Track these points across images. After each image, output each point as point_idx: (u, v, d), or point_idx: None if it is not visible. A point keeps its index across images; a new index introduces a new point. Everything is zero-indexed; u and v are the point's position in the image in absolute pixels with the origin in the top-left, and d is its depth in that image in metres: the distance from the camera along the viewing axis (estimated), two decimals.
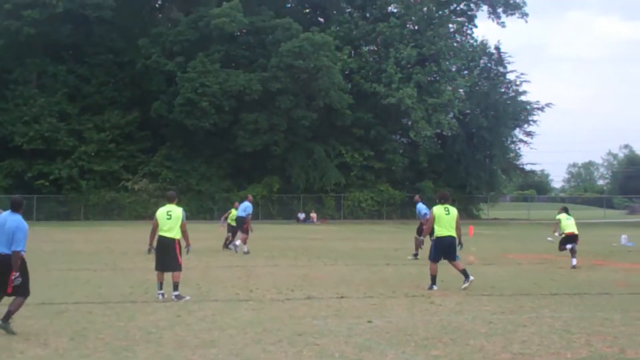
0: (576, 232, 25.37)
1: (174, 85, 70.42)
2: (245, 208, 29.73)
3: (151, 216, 51.27)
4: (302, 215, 69.64)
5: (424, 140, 74.68)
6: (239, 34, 75.24)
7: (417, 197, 30.52)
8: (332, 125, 75.33)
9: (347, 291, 17.22)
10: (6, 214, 12.45)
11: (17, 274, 11.95)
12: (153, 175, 71.21)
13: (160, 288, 16.05)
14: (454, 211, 18.23)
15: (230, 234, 31.03)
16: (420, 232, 25.50)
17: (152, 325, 12.54)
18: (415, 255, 26.78)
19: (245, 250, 28.63)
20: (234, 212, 30.94)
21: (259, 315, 13.81)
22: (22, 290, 12.16)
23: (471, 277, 17.81)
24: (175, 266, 15.95)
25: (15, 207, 12.40)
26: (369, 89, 74.76)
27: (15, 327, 12.05)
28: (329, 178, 73.19)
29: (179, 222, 16.07)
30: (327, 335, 11.83)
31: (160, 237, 16.10)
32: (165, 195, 17.47)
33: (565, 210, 26.31)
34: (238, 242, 29.21)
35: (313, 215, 69.62)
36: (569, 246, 25.33)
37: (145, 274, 20.24)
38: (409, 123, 76.12)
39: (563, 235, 25.39)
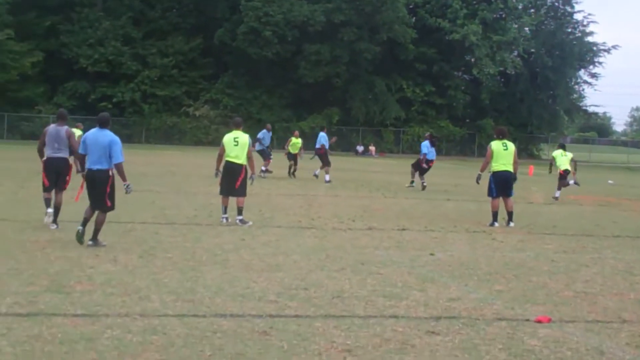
0: (569, 168, 26.42)
1: (238, 13, 70.24)
2: (319, 139, 31.64)
3: (211, 142, 52.09)
4: (360, 148, 69.64)
5: (487, 78, 73.92)
6: None
7: (427, 134, 33.06)
8: (394, 59, 74.87)
9: (408, 224, 17.27)
10: (94, 130, 12.80)
11: (127, 182, 12.66)
12: (214, 102, 71.59)
13: (225, 212, 16.25)
14: (511, 146, 18.16)
15: (292, 162, 32.26)
16: (416, 165, 28.95)
17: (217, 248, 12.73)
18: (412, 183, 29.19)
19: (327, 179, 30.07)
20: (294, 141, 32.51)
21: (322, 242, 13.93)
22: (107, 206, 12.66)
23: (512, 224, 17.80)
24: (241, 191, 16.11)
25: (103, 124, 12.78)
26: (433, 23, 74.03)
27: (84, 243, 12.34)
28: (389, 112, 72.93)
29: (246, 149, 16.17)
30: (389, 265, 11.90)
31: (227, 162, 16.23)
32: (232, 121, 17.46)
33: (562, 147, 26.75)
34: (318, 171, 31.13)
35: (372, 148, 69.58)
36: (571, 181, 27.18)
37: (208, 197, 20.48)
38: (473, 60, 75.47)
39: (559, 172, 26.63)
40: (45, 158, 14.68)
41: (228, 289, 9.51)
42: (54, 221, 14.31)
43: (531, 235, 16.51)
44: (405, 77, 75.36)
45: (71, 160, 14.84)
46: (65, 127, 14.74)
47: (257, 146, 30.55)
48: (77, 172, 14.07)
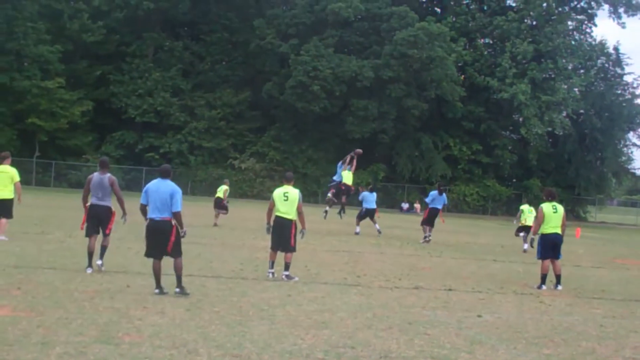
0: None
1: (287, 67, 70.86)
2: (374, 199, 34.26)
3: (256, 195, 52.36)
4: (405, 205, 69.47)
5: (535, 138, 73.59)
6: (354, 19, 75.03)
7: (438, 184, 36.04)
8: (442, 117, 74.92)
9: (455, 284, 17.14)
10: (156, 181, 13.32)
11: (184, 229, 13.26)
12: (260, 155, 71.98)
13: (272, 267, 16.29)
14: (561, 209, 18.06)
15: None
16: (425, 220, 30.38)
17: (264, 303, 12.72)
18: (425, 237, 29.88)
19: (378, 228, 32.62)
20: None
21: (369, 300, 13.86)
22: (179, 251, 13.17)
23: (560, 287, 17.61)
24: (289, 247, 16.12)
25: (165, 175, 13.39)
26: (482, 82, 74.06)
27: (129, 295, 12.43)
28: (435, 169, 72.79)
29: (296, 204, 16.18)
30: (437, 326, 11.82)
31: (277, 217, 16.24)
32: (284, 176, 17.36)
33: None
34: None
35: (417, 205, 69.27)
36: (522, 234, 29.07)
37: (253, 251, 20.51)
38: (521, 119, 75.26)
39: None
40: (89, 204, 15.30)
41: (275, 345, 9.48)
42: (101, 258, 15.13)
43: (579, 299, 16.31)
44: (452, 135, 75.30)
45: (113, 207, 15.45)
46: (108, 175, 15.37)
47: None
48: (122, 217, 15.16)
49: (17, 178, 20.19)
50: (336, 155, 73.00)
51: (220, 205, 32.95)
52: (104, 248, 15.32)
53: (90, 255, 15.10)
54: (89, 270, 14.81)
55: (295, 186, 16.65)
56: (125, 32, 73.57)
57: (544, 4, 77.37)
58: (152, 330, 9.88)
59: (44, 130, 66.22)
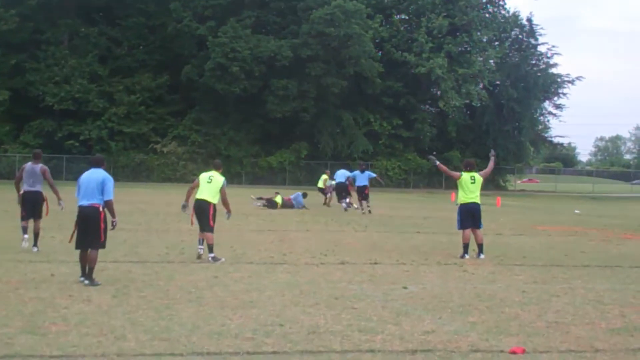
0: None
1: (205, 50, 70.40)
2: (343, 174, 36.04)
3: (179, 179, 52.11)
4: (330, 183, 69.66)
5: (453, 111, 74.41)
6: None
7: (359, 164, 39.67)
8: (361, 93, 75.23)
9: (380, 257, 17.35)
10: (89, 171, 13.29)
11: (115, 219, 13.08)
12: (182, 139, 71.54)
13: (201, 244, 16.56)
14: (479, 179, 18.42)
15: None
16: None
17: (191, 285, 12.74)
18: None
19: (356, 207, 34.52)
20: (324, 177, 39.30)
21: (295, 278, 13.97)
22: (100, 243, 12.98)
23: (482, 255, 17.96)
24: (207, 227, 16.27)
25: (96, 164, 13.43)
26: (399, 57, 74.50)
27: (53, 284, 12.38)
28: (357, 146, 73.14)
29: (219, 188, 16.47)
30: (363, 299, 11.98)
31: (197, 200, 16.51)
32: (213, 162, 17.89)
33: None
34: (346, 203, 34.89)
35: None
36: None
37: (179, 235, 20.50)
38: (439, 93, 76.04)
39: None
40: (22, 192, 16.86)
41: (204, 327, 9.52)
42: (35, 244, 16.63)
43: (502, 266, 16.65)
44: (373, 111, 75.69)
45: (44, 194, 17.00)
46: (40, 165, 16.99)
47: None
48: (58, 203, 16.31)
49: None
50: (259, 136, 73.09)
51: (324, 192, 38.52)
52: (36, 235, 16.74)
53: (25, 229, 16.74)
54: (25, 237, 16.70)
55: (222, 174, 16.85)
56: (40, 19, 72.12)
57: None
58: (78, 318, 9.83)
59: None
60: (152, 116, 72.73)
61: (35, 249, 16.45)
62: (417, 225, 27.99)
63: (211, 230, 16.32)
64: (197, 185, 16.64)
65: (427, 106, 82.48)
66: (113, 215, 13.07)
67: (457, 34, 76.21)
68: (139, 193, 47.52)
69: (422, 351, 8.69)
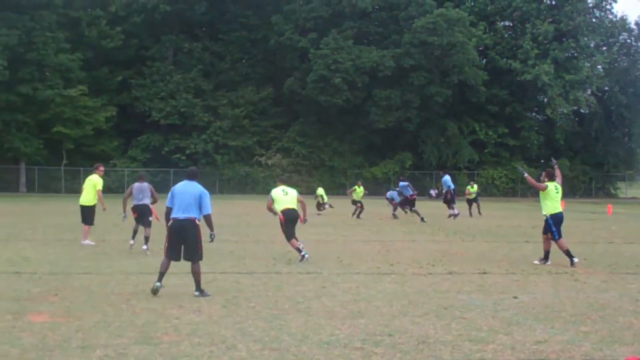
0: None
1: (307, 62, 70.94)
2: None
3: None
4: (434, 192, 69.30)
5: (561, 118, 73.31)
6: (372, 10, 75.04)
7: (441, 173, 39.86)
8: (466, 102, 74.69)
9: (489, 267, 17.08)
10: (183, 183, 13.32)
11: (214, 232, 13.27)
12: (286, 151, 72.11)
13: (301, 251, 17.70)
14: (560, 188, 18.41)
15: (357, 205, 36.14)
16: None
17: (299, 296, 12.72)
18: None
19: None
20: (358, 189, 36.86)
21: (403, 288, 13.82)
22: (201, 254, 13.01)
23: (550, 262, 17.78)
24: (294, 234, 18.35)
25: (192, 176, 13.43)
26: (504, 65, 73.78)
27: (167, 294, 12.51)
28: (462, 155, 72.63)
29: (295, 197, 18.40)
30: (473, 309, 11.77)
31: (288, 209, 18.08)
32: (279, 178, 20.04)
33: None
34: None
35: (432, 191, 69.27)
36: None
37: (285, 246, 20.48)
38: (545, 100, 74.92)
39: None
40: (132, 206, 20.10)
41: (313, 337, 9.48)
42: (145, 244, 19.26)
43: (614, 275, 16.21)
44: (478, 120, 75.09)
45: (151, 206, 20.08)
46: (146, 183, 20.52)
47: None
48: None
49: (99, 186, 21.82)
50: (362, 146, 73.16)
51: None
52: (146, 238, 19.41)
53: (135, 232, 20.04)
54: (131, 242, 19.87)
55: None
56: (144, 36, 74.00)
57: None
58: (190, 328, 9.91)
59: (70, 138, 66.72)
60: (256, 129, 73.56)
61: (145, 247, 19.08)
62: (526, 234, 27.52)
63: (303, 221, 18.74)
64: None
65: (534, 114, 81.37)
66: (212, 228, 13.20)
67: (563, 39, 75.02)
68: (244, 205, 48.06)
69: None
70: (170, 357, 8.38)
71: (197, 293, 12.63)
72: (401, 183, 35.79)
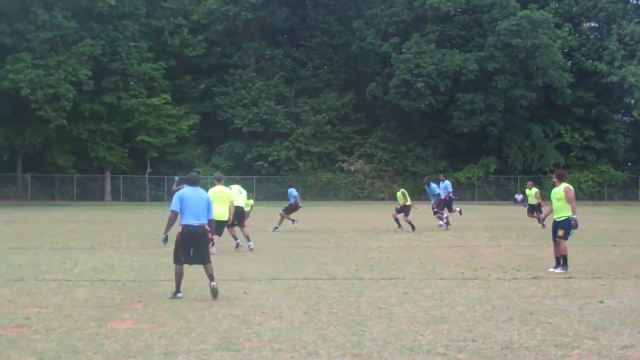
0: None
1: (389, 67, 70.75)
2: (445, 187, 32.11)
3: (367, 196, 52.58)
4: (519, 197, 68.40)
5: None
6: (454, 13, 74.57)
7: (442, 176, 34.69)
8: (551, 105, 73.70)
9: (574, 272, 16.75)
10: (190, 189, 13.55)
11: (214, 236, 14.05)
12: (369, 157, 72.07)
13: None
14: None
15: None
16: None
17: (381, 301, 12.65)
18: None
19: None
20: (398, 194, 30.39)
21: (487, 293, 13.66)
22: (209, 257, 13.47)
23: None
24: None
25: (195, 183, 13.78)
26: (590, 67, 72.66)
27: (246, 301, 12.59)
28: (547, 158, 71.62)
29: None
30: (558, 314, 11.58)
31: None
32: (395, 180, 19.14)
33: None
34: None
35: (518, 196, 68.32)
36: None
37: (368, 252, 20.51)
38: (632, 102, 73.45)
39: None
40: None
41: (395, 343, 9.41)
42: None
43: None
44: (563, 122, 73.94)
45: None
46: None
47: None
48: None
49: (231, 198, 21.17)
50: (445, 151, 72.76)
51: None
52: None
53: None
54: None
55: (404, 184, 17.26)
56: (226, 43, 74.80)
57: None
58: (271, 334, 9.92)
59: (154, 147, 67.75)
60: (338, 135, 73.67)
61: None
62: (612, 238, 26.97)
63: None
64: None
65: (620, 116, 79.73)
66: (213, 232, 13.84)
67: None
68: (327, 211, 48.08)
69: None
70: None
71: (214, 283, 12.90)
72: (442, 183, 32.58)
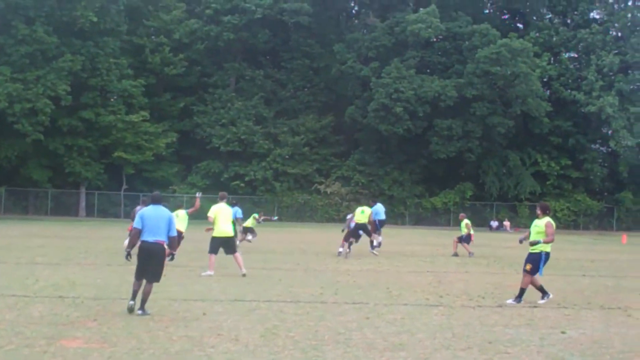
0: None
1: (369, 91, 70.80)
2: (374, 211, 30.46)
3: (342, 219, 52.25)
4: (494, 223, 68.62)
5: (625, 150, 72.04)
6: (434, 39, 74.72)
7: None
8: (528, 133, 74.02)
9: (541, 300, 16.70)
10: (151, 207, 13.78)
11: (175, 252, 13.90)
12: (345, 179, 71.97)
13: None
14: None
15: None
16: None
17: (341, 326, 12.52)
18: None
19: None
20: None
21: (449, 320, 13.58)
22: (160, 277, 13.59)
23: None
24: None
25: (158, 201, 14.02)
26: (568, 96, 72.99)
27: (204, 322, 12.42)
28: (523, 186, 71.82)
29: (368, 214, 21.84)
30: (518, 344, 11.52)
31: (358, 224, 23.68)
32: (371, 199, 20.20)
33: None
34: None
35: (506, 223, 68.45)
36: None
37: (336, 275, 20.35)
38: (609, 132, 73.79)
39: None
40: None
41: None
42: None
43: None
44: (540, 151, 74.24)
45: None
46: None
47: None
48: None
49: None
50: (422, 176, 72.83)
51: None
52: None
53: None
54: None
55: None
56: (207, 63, 74.65)
57: (629, 15, 76.19)
58: (223, 357, 9.79)
59: (131, 163, 67.36)
60: (316, 157, 73.63)
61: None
62: (583, 268, 26.97)
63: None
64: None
65: (598, 146, 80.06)
66: (175, 249, 14.56)
67: (629, 71, 73.94)
68: (301, 233, 48.01)
69: None
70: None
71: (140, 312, 12.91)
72: (375, 206, 32.07)
